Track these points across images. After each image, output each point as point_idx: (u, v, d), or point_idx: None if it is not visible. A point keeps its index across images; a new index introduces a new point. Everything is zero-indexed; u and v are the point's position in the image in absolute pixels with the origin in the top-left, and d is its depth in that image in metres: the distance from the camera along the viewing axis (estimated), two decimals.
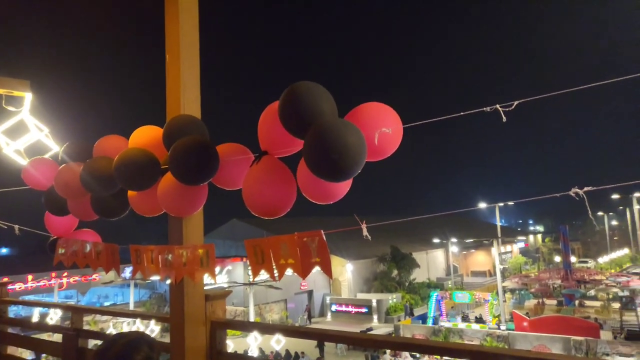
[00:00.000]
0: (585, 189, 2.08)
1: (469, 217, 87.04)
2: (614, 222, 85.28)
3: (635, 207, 52.42)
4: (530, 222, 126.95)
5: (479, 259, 59.61)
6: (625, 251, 70.98)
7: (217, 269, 34.33)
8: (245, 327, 5.37)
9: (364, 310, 36.95)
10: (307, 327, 4.55)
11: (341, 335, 3.57)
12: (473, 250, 59.70)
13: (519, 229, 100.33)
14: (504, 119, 2.21)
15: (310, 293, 40.91)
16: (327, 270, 2.71)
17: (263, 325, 8.48)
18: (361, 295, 39.80)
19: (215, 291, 3.49)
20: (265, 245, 2.86)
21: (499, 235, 48.40)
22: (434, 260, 54.45)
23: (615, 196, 62.43)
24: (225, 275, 35.15)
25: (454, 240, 50.22)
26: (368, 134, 2.40)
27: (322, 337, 4.57)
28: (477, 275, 57.31)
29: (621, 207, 73.11)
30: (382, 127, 2.44)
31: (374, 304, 36.42)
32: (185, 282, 3.21)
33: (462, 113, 2.35)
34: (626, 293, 32.20)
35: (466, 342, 22.44)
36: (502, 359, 1.72)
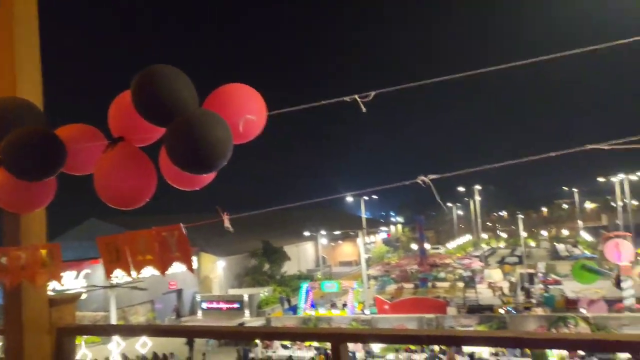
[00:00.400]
0: (430, 176, 2.28)
1: (337, 209, 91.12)
2: (460, 212, 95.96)
3: (477, 198, 59.49)
4: (392, 213, 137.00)
5: (346, 250, 62.76)
6: (468, 237, 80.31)
7: (74, 273, 31.38)
8: (99, 331, 4.95)
9: (235, 305, 36.65)
10: (171, 325, 4.36)
11: (207, 330, 3.49)
12: (341, 242, 62.60)
13: (382, 221, 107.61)
14: (363, 109, 2.32)
15: (179, 292, 39.41)
16: (188, 264, 2.62)
17: (120, 328, 7.91)
18: (232, 291, 39.42)
19: (63, 295, 3.17)
20: (121, 242, 2.67)
21: (364, 226, 51.40)
22: (304, 253, 56.02)
23: (461, 188, 70.23)
24: (84, 280, 32.22)
25: (323, 232, 52.12)
26: (232, 121, 2.34)
27: (188, 334, 4.43)
28: (345, 265, 60.35)
29: (466, 199, 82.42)
30: (246, 114, 2.39)
31: (246, 298, 36.33)
32: (24, 287, 2.86)
33: (323, 102, 2.42)
34: (468, 273, 36.52)
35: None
36: (362, 338, 1.78)
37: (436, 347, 20.60)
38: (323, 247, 56.11)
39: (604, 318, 19.26)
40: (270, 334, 3.25)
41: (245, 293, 37.21)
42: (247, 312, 35.85)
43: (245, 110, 2.37)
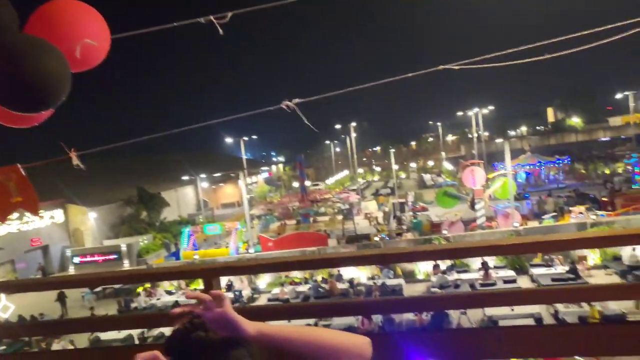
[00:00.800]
0: (295, 100, 2.22)
1: (217, 152, 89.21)
2: (338, 149, 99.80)
3: (352, 134, 62.11)
4: (273, 153, 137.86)
5: (228, 192, 62.30)
6: (346, 172, 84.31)
7: None
8: None
9: (112, 257, 34.84)
10: (27, 279, 3.97)
11: (69, 280, 3.22)
12: (222, 184, 61.83)
13: (263, 161, 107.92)
14: (221, 31, 2.14)
15: (45, 249, 36.32)
16: (32, 209, 2.32)
17: None
18: (108, 242, 37.32)
19: None
20: None
21: (245, 167, 51.10)
22: (184, 197, 54.48)
23: (338, 126, 72.61)
24: None
25: (203, 175, 50.89)
26: (66, 47, 1.99)
27: (53, 286, 4.07)
28: (228, 207, 60.08)
29: (343, 136, 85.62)
30: (85, 39, 2.05)
31: (124, 248, 34.67)
32: None
33: (175, 24, 2.18)
34: (346, 206, 38.63)
35: None
36: (233, 271, 1.73)
37: (319, 277, 21.81)
38: (204, 191, 55.01)
39: (461, 236, 21.82)
40: (137, 276, 3.07)
41: (122, 243, 35.45)
42: (126, 262, 34.38)
43: (82, 34, 2.03)
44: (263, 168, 77.42)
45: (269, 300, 19.92)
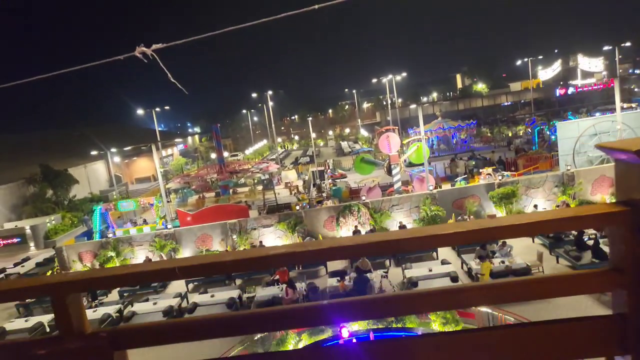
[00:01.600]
0: (154, 46, 1.92)
1: (128, 125, 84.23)
2: (256, 118, 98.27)
3: (270, 103, 61.31)
4: (189, 124, 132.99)
5: (143, 165, 59.31)
6: (264, 142, 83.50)
7: None
8: None
9: (16, 240, 32.12)
10: None
11: None
12: (135, 158, 58.74)
13: (178, 132, 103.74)
14: None
15: None
16: None
17: None
18: (9, 225, 34.24)
19: None
20: None
21: (158, 139, 48.78)
22: (94, 173, 51.13)
23: (254, 94, 71.21)
24: None
25: (113, 149, 47.90)
26: None
27: None
28: (142, 182, 57.31)
29: (260, 104, 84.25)
30: None
31: (28, 231, 32.04)
32: None
33: None
34: (266, 176, 38.32)
35: (136, 247, 22.59)
36: (94, 284, 1.49)
37: (241, 249, 21.53)
38: (116, 165, 51.95)
39: (379, 202, 22.44)
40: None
41: (26, 224, 32.70)
42: (32, 245, 31.87)
43: None
44: (178, 140, 74.40)
45: None
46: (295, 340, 13.08)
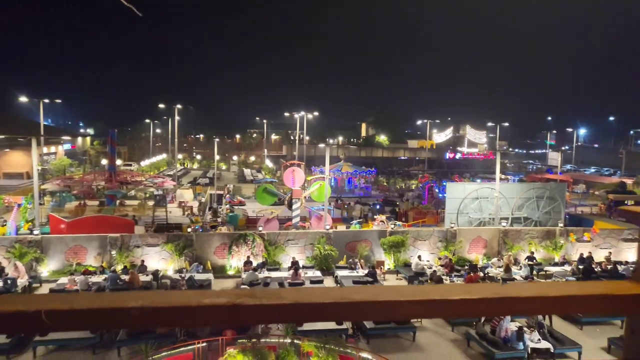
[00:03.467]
0: None
1: (6, 112, 75.79)
2: (159, 130, 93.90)
3: (177, 117, 58.94)
4: (81, 124, 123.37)
5: (16, 159, 53.25)
6: (164, 156, 79.74)
7: None
8: None
9: None
10: None
11: None
12: (8, 150, 52.64)
13: (67, 130, 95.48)
14: None
15: None
16: None
17: None
18: None
19: None
20: None
21: (42, 132, 44.30)
22: None
23: (161, 105, 68.18)
24: None
25: None
26: None
27: None
28: (13, 178, 51.33)
29: (165, 117, 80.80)
30: None
31: None
32: None
33: None
34: (160, 192, 36.29)
35: None
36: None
37: (119, 267, 19.77)
38: None
39: (275, 234, 22.07)
40: None
41: None
42: None
43: None
44: (65, 138, 68.26)
45: (52, 291, 17.26)
46: None
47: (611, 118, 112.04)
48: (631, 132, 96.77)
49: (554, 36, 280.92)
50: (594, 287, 1.03)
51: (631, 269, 19.12)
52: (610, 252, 23.22)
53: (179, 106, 53.69)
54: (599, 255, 23.06)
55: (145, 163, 67.94)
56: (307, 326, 14.56)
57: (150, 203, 35.34)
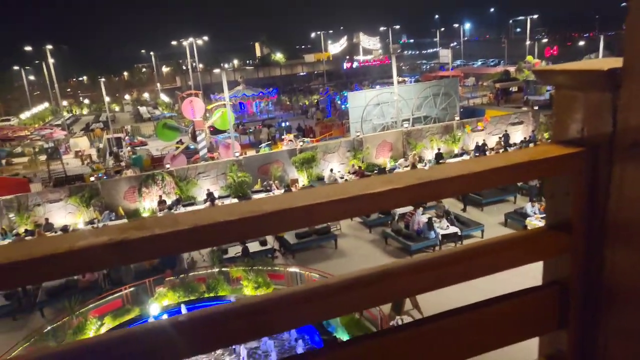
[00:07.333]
0: None
1: None
2: (32, 77, 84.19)
3: (50, 60, 52.92)
4: None
5: None
6: (46, 105, 72.41)
7: None
8: None
9: None
10: None
11: None
12: None
13: None
14: None
15: None
16: None
17: None
18: None
19: None
20: None
21: None
22: None
23: (28, 48, 60.61)
24: None
25: None
26: None
27: None
28: None
29: (37, 61, 72.24)
30: None
31: None
32: None
33: None
34: (51, 144, 33.44)
35: None
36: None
37: (21, 229, 18.48)
38: None
39: (185, 170, 21.59)
40: None
41: None
42: None
43: None
44: None
45: None
46: (97, 326, 11.84)
47: (491, 10, 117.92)
48: (510, 21, 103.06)
49: None
50: (517, 157, 1.07)
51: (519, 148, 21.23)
52: (500, 137, 25.33)
53: (50, 47, 48.02)
54: (492, 142, 25.24)
55: (26, 115, 61.47)
56: (232, 252, 14.92)
57: (42, 157, 32.59)
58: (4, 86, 75.99)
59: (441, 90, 29.42)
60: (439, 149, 24.03)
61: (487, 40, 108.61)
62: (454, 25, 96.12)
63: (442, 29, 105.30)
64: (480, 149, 23.98)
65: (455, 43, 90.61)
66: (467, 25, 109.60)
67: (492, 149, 24.13)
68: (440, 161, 22.98)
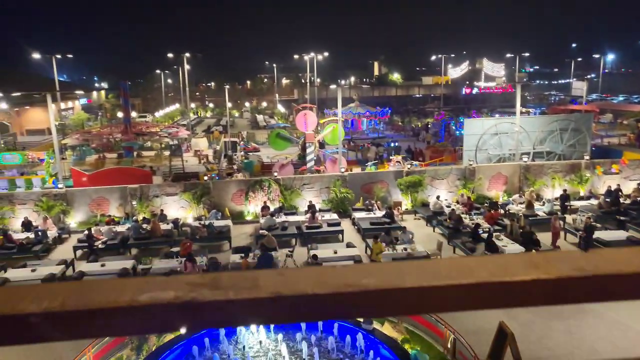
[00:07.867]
0: None
1: (23, 70, 75.72)
2: (170, 80, 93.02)
3: (186, 66, 58.07)
4: (95, 78, 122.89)
5: (36, 116, 53.66)
6: (176, 106, 79.45)
7: None
8: None
9: None
10: None
11: None
12: (28, 107, 53.00)
13: (81, 85, 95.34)
14: None
15: None
16: None
17: None
18: None
19: None
20: None
21: (58, 88, 44.32)
22: None
23: (170, 55, 67.09)
24: None
25: None
26: None
27: None
28: (35, 134, 51.93)
29: (175, 66, 79.70)
30: None
31: None
32: None
33: None
34: (175, 142, 36.41)
35: (18, 205, 20.25)
36: None
37: (140, 216, 20.13)
38: (3, 113, 46.55)
39: (291, 179, 22.12)
40: None
41: None
42: None
43: None
44: (80, 92, 68.23)
45: (80, 241, 17.80)
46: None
47: None
48: None
49: None
50: None
51: None
52: (639, 184, 22.06)
53: (187, 54, 52.71)
54: (628, 188, 22.35)
55: (159, 114, 67.94)
56: None
57: (167, 153, 35.60)
58: (147, 87, 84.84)
59: (570, 125, 26.98)
60: (564, 190, 21.43)
61: (633, 73, 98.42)
62: (594, 55, 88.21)
63: (579, 59, 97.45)
64: (613, 194, 20.82)
65: (593, 75, 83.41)
66: (610, 57, 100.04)
67: (627, 195, 21.36)
68: (566, 203, 20.62)
